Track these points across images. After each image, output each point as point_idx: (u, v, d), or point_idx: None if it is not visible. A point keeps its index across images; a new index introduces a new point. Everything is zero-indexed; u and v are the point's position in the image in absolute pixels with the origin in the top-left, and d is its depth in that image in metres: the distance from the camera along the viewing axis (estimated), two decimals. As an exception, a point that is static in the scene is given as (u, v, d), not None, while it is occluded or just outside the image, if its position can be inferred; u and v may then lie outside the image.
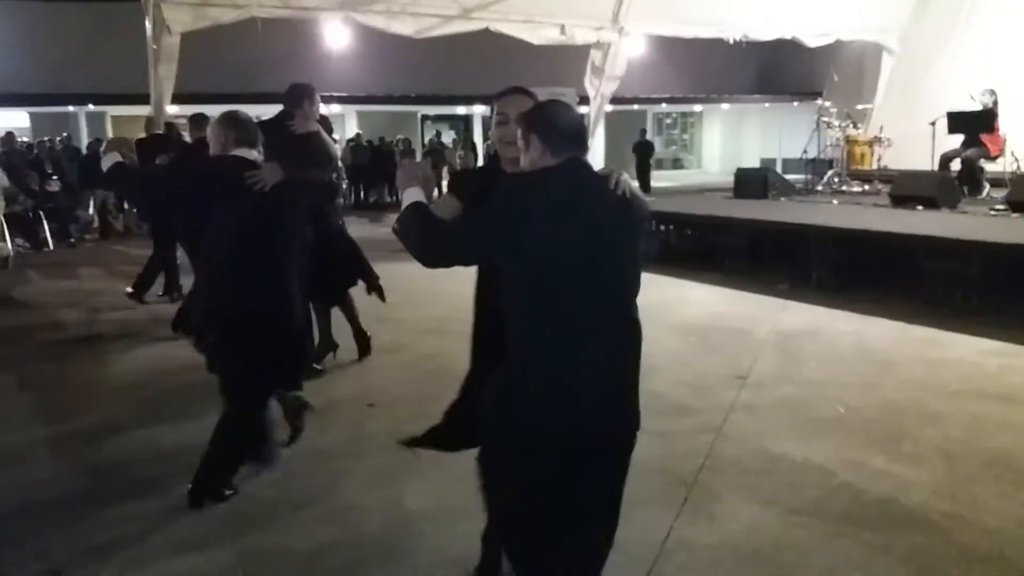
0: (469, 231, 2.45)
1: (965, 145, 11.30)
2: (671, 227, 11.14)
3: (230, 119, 3.82)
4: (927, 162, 11.64)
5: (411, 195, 2.50)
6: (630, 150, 21.36)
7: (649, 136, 27.58)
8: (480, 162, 20.46)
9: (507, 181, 2.50)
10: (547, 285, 2.34)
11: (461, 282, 2.96)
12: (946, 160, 11.46)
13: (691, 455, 4.26)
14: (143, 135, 9.04)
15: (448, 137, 25.39)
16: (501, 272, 2.40)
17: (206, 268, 3.91)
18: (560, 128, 2.43)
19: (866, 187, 12.84)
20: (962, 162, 11.26)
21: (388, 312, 6.41)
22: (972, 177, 11.10)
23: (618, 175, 2.47)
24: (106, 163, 3.65)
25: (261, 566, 3.29)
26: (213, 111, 5.22)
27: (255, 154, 3.81)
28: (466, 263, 2.59)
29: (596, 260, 2.36)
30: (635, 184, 2.54)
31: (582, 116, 2.54)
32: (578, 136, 2.47)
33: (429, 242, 2.46)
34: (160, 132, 9.04)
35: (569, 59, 14.48)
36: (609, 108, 14.72)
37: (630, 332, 2.47)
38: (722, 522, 3.58)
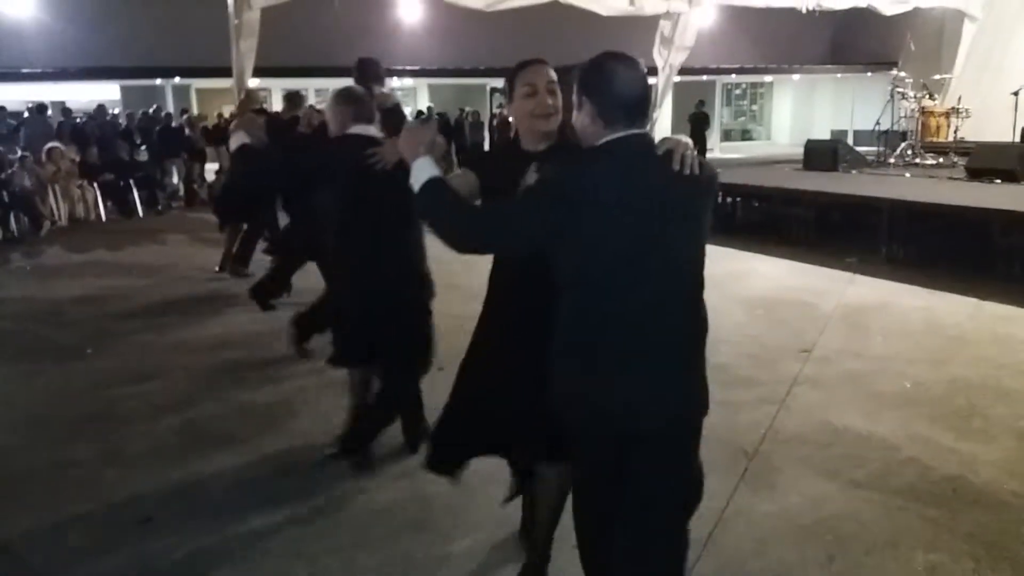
0: (519, 219, 2.16)
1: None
2: (738, 199, 11.01)
3: (347, 95, 3.72)
4: (1008, 134, 11.25)
5: (424, 167, 2.23)
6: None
7: (717, 107, 27.12)
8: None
9: (558, 166, 2.20)
10: (605, 277, 2.13)
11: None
12: (1030, 131, 11.05)
13: (753, 426, 4.29)
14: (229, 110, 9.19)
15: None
16: (554, 261, 2.18)
17: (346, 258, 3.80)
18: (616, 94, 2.11)
19: (941, 160, 12.47)
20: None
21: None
22: (1057, 149, 10.69)
23: (682, 151, 2.13)
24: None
25: (332, 520, 3.45)
26: (292, 84, 5.39)
27: (373, 130, 3.71)
28: (512, 252, 2.35)
29: (659, 246, 2.12)
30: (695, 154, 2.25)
31: (645, 77, 2.17)
32: (638, 106, 2.14)
33: (468, 227, 2.21)
34: (260, 107, 9.08)
35: (638, 30, 14.29)
36: (677, 79, 14.53)
37: (697, 314, 2.25)
38: (782, 493, 3.61)
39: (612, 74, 2.12)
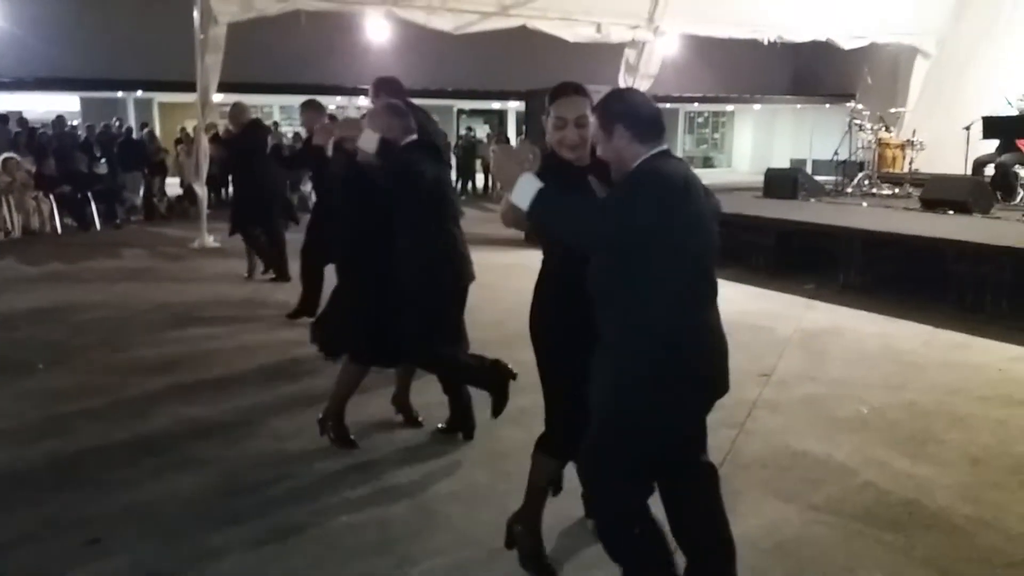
0: (625, 214, 2.34)
1: (1000, 150, 11.20)
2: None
3: (396, 109, 3.99)
4: (960, 167, 11.55)
5: (531, 181, 2.39)
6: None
7: (679, 134, 27.53)
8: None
9: (639, 169, 2.44)
10: (687, 268, 2.45)
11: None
12: (980, 165, 11.38)
13: (713, 450, 4.19)
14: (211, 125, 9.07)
15: (482, 132, 25.49)
16: (632, 258, 2.39)
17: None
18: (645, 116, 2.44)
19: (896, 190, 12.76)
20: (996, 167, 11.16)
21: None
22: (1006, 182, 10.99)
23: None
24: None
25: (291, 542, 3.39)
26: (258, 100, 5.35)
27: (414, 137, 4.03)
28: (620, 246, 2.43)
29: (709, 244, 2.52)
30: None
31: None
32: (662, 124, 2.48)
33: (591, 224, 2.37)
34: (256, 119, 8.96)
35: (604, 57, 14.51)
36: (641, 106, 14.74)
37: (716, 297, 2.64)
38: (743, 516, 3.59)
39: (637, 100, 2.48)
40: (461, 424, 4.40)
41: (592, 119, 2.55)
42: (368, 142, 3.74)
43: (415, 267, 3.95)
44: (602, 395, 2.55)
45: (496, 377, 4.02)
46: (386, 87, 4.78)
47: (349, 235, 4.26)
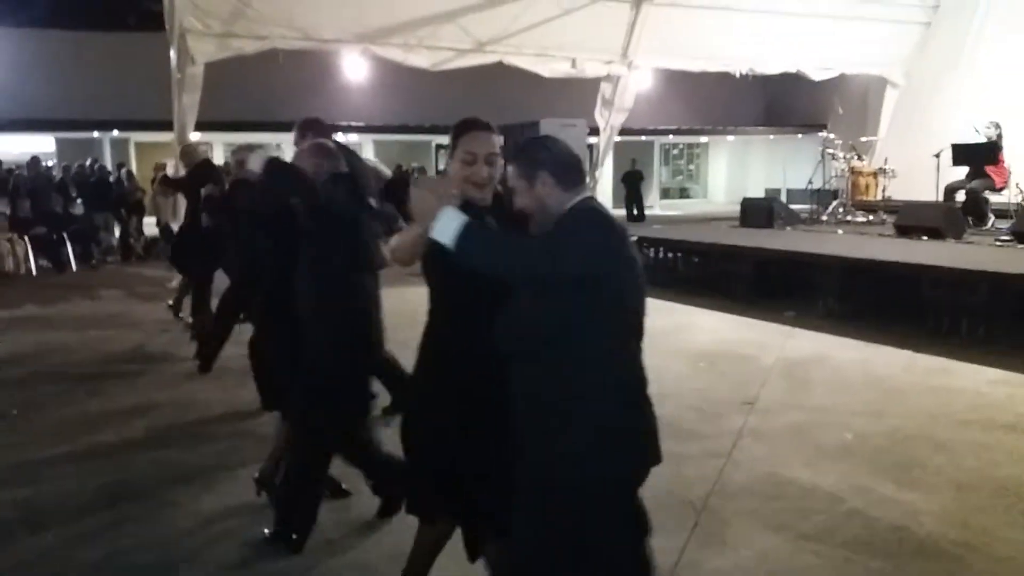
0: (576, 252, 2.22)
1: (970, 176, 11.39)
2: (678, 254, 11.21)
3: (323, 149, 3.74)
4: (932, 193, 11.72)
5: (454, 215, 2.25)
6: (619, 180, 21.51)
7: (655, 166, 27.75)
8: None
9: (579, 209, 2.32)
10: (628, 318, 2.32)
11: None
12: (951, 191, 11.55)
13: (700, 480, 4.29)
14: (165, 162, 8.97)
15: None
16: (576, 304, 2.23)
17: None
18: (568, 163, 2.34)
19: (871, 217, 12.93)
20: (967, 193, 11.34)
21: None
22: (977, 208, 11.18)
23: None
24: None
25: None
26: (235, 139, 5.35)
27: None
28: (554, 284, 2.28)
29: (642, 294, 2.37)
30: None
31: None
32: (583, 170, 2.41)
33: (532, 260, 2.24)
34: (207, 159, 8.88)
35: (580, 91, 14.69)
36: (618, 139, 14.90)
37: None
38: (732, 547, 3.59)
39: (556, 147, 2.36)
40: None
41: (511, 167, 2.41)
42: (256, 162, 3.66)
43: (319, 325, 3.60)
44: (543, 471, 2.31)
45: (396, 488, 3.63)
46: (312, 127, 4.75)
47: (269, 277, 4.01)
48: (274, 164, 3.62)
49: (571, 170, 2.35)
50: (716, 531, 3.74)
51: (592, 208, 2.33)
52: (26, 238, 12.49)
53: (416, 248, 2.42)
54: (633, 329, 2.35)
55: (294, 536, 3.54)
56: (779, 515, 3.89)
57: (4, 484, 4.35)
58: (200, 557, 3.56)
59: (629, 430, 2.32)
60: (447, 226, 2.24)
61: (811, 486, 4.22)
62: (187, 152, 8.21)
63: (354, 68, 13.46)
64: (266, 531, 3.64)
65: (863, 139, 14.65)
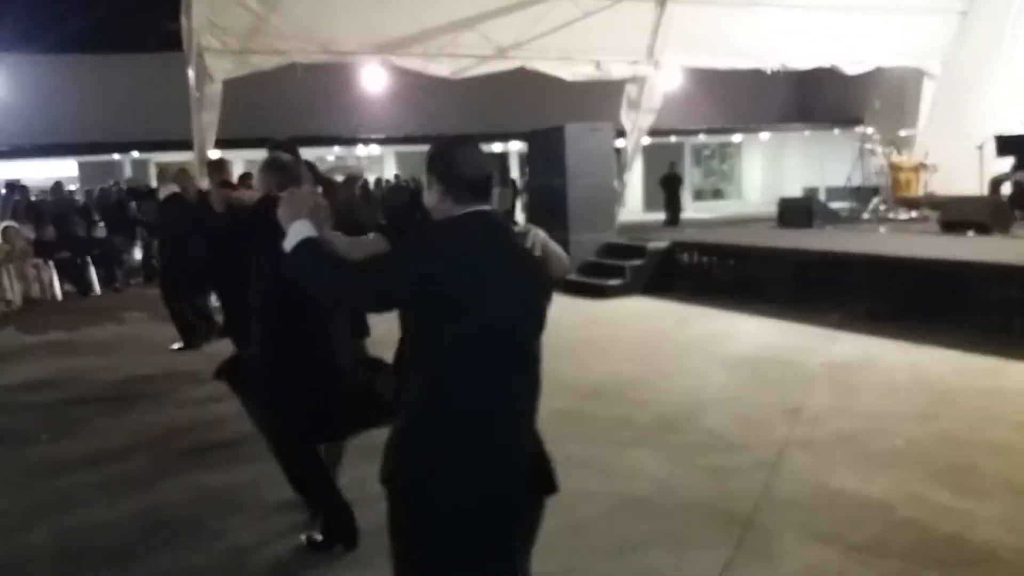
0: (385, 278, 2.24)
1: (1016, 168, 11.06)
2: (714, 259, 11.02)
3: (274, 163, 3.82)
4: (975, 187, 11.41)
5: (301, 229, 2.28)
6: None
7: (687, 167, 27.46)
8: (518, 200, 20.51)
9: (420, 228, 2.38)
10: (467, 337, 2.19)
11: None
12: (997, 183, 11.23)
13: (745, 493, 4.14)
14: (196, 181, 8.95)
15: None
16: (421, 322, 2.23)
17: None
18: (462, 176, 2.31)
19: (914, 214, 12.62)
20: (1014, 185, 11.02)
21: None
22: (1024, 200, 10.86)
23: (535, 235, 2.40)
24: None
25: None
26: (255, 156, 5.32)
27: None
28: (385, 306, 2.37)
29: (520, 321, 2.27)
30: (556, 247, 2.47)
31: (485, 160, 2.42)
32: (482, 186, 2.34)
33: (339, 285, 2.27)
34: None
35: (604, 94, 14.55)
36: (646, 141, 14.73)
37: (535, 384, 2.34)
38: (779, 560, 3.47)
39: (456, 158, 2.35)
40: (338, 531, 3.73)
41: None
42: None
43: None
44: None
45: (336, 520, 3.63)
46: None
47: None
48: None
49: (464, 185, 2.30)
50: (762, 544, 3.61)
51: (440, 227, 2.31)
52: (51, 263, 12.59)
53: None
54: (505, 347, 2.23)
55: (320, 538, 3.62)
56: (828, 526, 3.75)
57: (39, 511, 4.33)
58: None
59: (466, 455, 2.18)
60: (291, 239, 2.28)
61: (861, 495, 4.07)
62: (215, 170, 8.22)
63: (373, 79, 13.47)
64: (303, 537, 3.70)
65: (902, 133, 14.29)
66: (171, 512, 4.23)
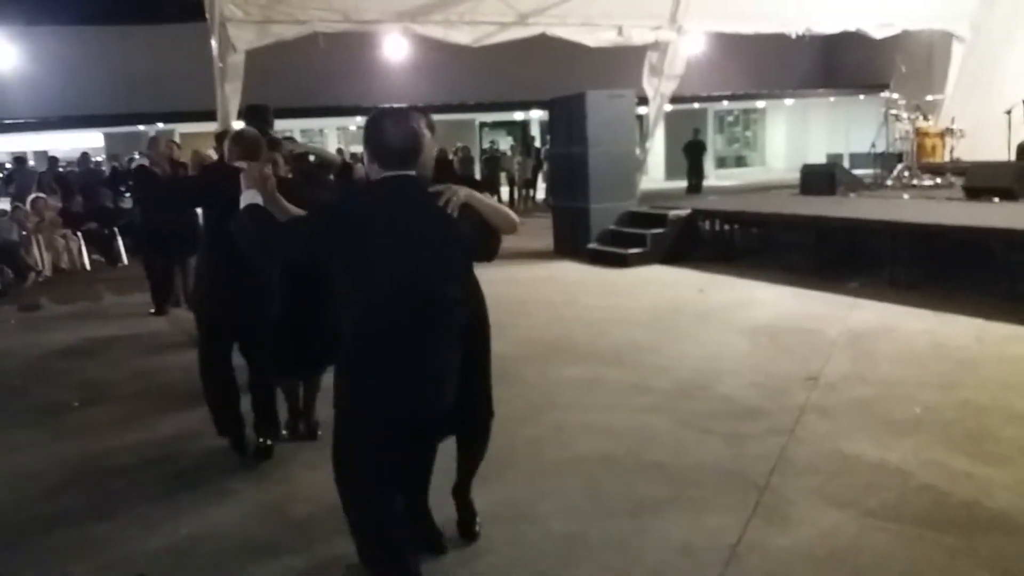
0: (303, 232, 2.65)
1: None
2: (736, 226, 10.97)
3: (239, 137, 4.43)
4: (1003, 152, 11.25)
5: (248, 197, 2.76)
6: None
7: (710, 134, 27.21)
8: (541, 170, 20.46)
9: (338, 192, 2.87)
10: (373, 288, 2.59)
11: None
12: (1024, 149, 11.04)
13: (762, 458, 4.18)
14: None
15: (505, 144, 25.47)
16: (335, 271, 2.72)
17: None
18: (385, 143, 2.63)
19: (938, 180, 12.45)
20: (1041, 150, 10.84)
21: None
22: (1051, 166, 10.67)
23: (451, 193, 2.66)
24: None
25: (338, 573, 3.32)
26: (278, 125, 5.38)
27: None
28: (298, 262, 2.94)
29: (408, 263, 2.59)
30: (493, 204, 2.86)
31: (414, 131, 2.69)
32: (403, 153, 2.64)
33: (262, 243, 2.68)
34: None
35: (626, 60, 14.39)
36: (668, 108, 14.58)
37: (445, 325, 2.71)
38: (796, 525, 3.50)
39: (385, 128, 2.65)
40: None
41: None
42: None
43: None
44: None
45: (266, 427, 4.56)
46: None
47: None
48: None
49: (388, 151, 2.64)
50: (779, 509, 3.65)
51: (374, 185, 2.68)
52: (79, 234, 12.75)
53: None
54: (402, 292, 2.60)
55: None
56: (845, 492, 3.78)
57: (72, 474, 4.47)
58: (259, 539, 3.60)
59: (366, 384, 2.64)
60: (242, 203, 2.75)
61: (878, 462, 4.09)
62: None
63: (395, 48, 13.40)
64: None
65: (928, 98, 14.06)
66: (201, 476, 4.34)
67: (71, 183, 14.22)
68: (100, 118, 19.06)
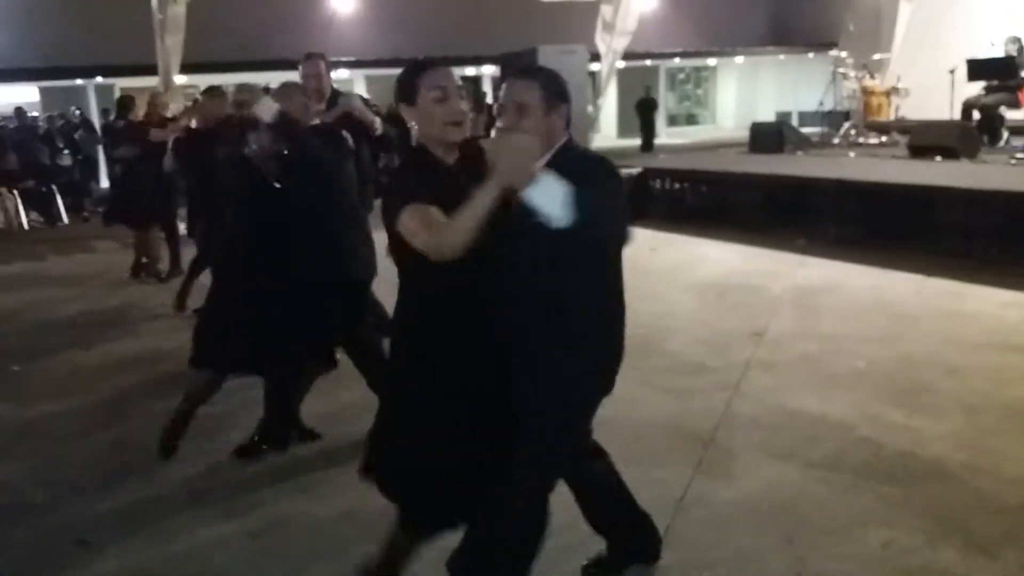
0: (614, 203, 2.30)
1: (987, 92, 11.06)
2: (685, 184, 11.04)
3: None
4: (946, 111, 11.43)
5: (556, 178, 2.10)
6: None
7: (661, 92, 27.13)
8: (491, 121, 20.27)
9: (590, 155, 2.49)
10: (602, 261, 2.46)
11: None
12: (969, 107, 11.22)
13: (707, 413, 4.27)
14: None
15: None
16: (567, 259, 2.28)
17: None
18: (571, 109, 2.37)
19: (883, 139, 12.66)
20: (980, 110, 11.04)
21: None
22: (991, 125, 10.89)
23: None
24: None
25: (281, 533, 3.33)
26: (220, 80, 5.22)
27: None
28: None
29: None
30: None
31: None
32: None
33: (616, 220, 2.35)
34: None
35: (579, 15, 14.29)
36: (621, 64, 14.54)
37: None
38: (739, 478, 3.59)
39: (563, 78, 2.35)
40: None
41: (528, 84, 2.28)
42: (265, 111, 3.51)
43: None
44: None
45: (278, 433, 3.99)
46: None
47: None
48: (283, 119, 3.54)
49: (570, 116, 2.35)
50: (723, 463, 3.74)
51: (598, 155, 2.45)
52: (15, 192, 12.32)
53: (479, 224, 2.03)
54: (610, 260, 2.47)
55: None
56: (787, 445, 3.88)
57: (10, 441, 4.38)
58: (203, 500, 3.59)
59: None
60: (552, 193, 1.97)
61: (820, 415, 4.20)
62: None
63: (343, 0, 13.06)
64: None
65: (876, 57, 14.20)
66: (145, 441, 4.22)
67: (5, 139, 13.69)
68: (35, 71, 18.31)
